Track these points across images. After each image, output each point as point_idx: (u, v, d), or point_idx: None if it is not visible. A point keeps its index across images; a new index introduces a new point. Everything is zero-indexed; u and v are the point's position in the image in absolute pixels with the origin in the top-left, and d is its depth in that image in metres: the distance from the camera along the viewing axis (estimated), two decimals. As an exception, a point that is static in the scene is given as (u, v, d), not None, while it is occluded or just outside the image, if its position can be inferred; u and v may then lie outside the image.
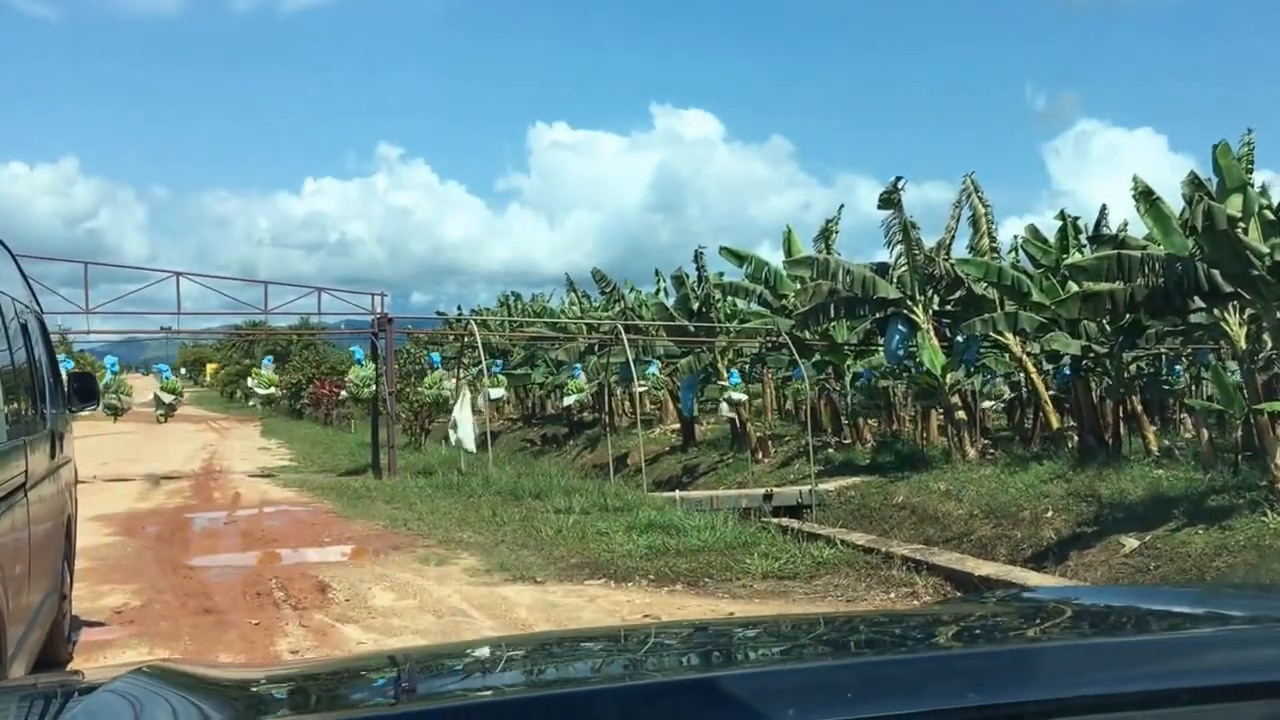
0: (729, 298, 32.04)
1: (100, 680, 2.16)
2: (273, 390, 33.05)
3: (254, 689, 2.22)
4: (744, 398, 28.95)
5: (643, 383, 31.86)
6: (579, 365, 32.39)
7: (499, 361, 34.41)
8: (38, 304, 9.93)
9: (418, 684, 2.34)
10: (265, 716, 2.03)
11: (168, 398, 31.24)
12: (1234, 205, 16.34)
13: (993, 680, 1.81)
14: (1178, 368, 25.52)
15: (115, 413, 29.62)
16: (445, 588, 13.18)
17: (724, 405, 29.99)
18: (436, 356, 32.83)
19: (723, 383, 29.55)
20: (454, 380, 30.56)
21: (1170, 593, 4.06)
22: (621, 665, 2.50)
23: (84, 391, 10.27)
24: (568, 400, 32.62)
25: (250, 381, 33.66)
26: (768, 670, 2.16)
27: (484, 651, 2.95)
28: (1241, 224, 16.17)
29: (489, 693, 2.19)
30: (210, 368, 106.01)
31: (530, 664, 2.53)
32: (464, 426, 26.31)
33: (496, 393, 31.42)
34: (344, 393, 30.59)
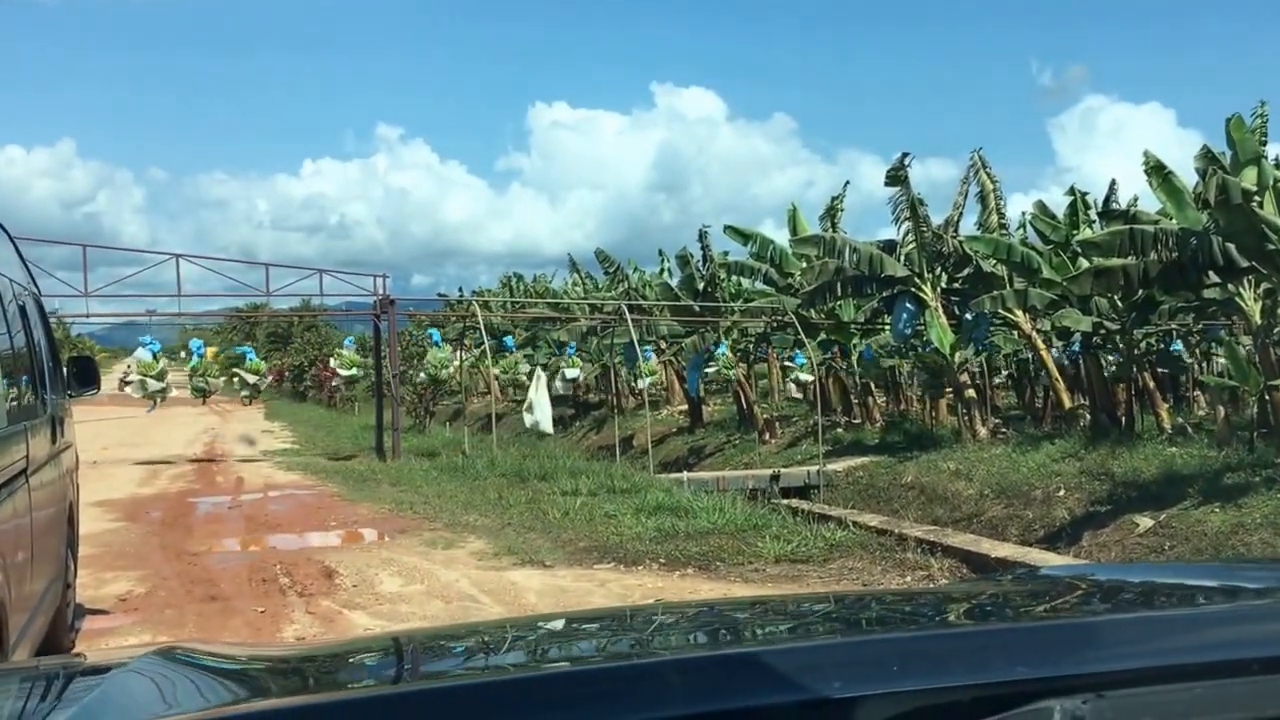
0: (734, 277, 31.85)
1: (106, 661, 2.15)
2: (354, 371, 32.62)
3: (272, 668, 2.20)
4: (811, 378, 28.81)
5: (712, 365, 31.46)
6: (649, 347, 31.92)
7: (571, 345, 33.81)
8: (36, 287, 9.76)
9: (435, 662, 2.31)
10: (285, 695, 1.98)
11: (252, 378, 30.55)
12: (1249, 178, 16.18)
13: (1040, 653, 1.79)
14: (1219, 346, 25.30)
15: (204, 395, 29.63)
16: (453, 572, 12.99)
17: (791, 385, 29.90)
18: (510, 340, 32.32)
19: (787, 364, 29.56)
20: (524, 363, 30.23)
21: (1192, 569, 4.01)
22: (662, 641, 2.46)
23: (83, 376, 10.14)
24: (642, 384, 32.23)
25: (333, 362, 33.40)
26: (810, 645, 2.14)
27: (502, 630, 2.90)
28: (1257, 197, 16.01)
29: (513, 670, 2.17)
30: (210, 351, 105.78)
31: (574, 640, 2.52)
32: (540, 409, 26.21)
33: (573, 373, 31.16)
34: (422, 375, 30.29)
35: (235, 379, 30.51)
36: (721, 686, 1.64)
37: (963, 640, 2.02)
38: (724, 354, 29.87)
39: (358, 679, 2.22)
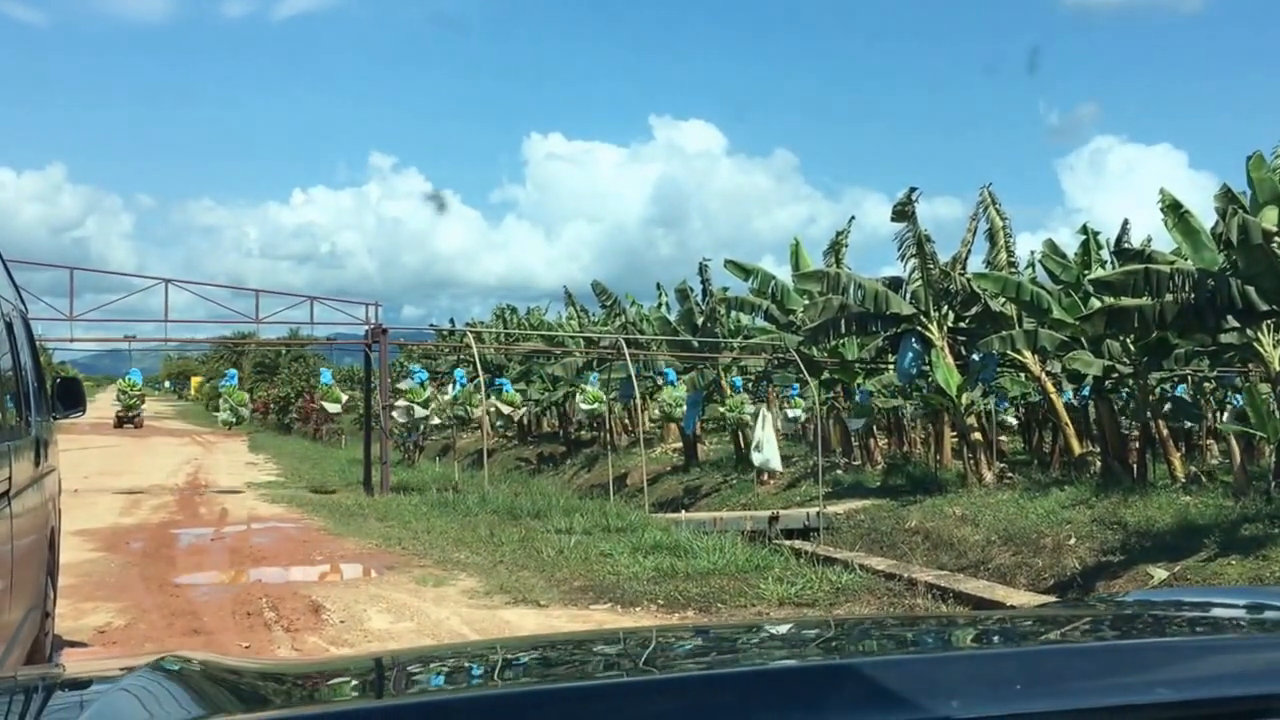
0: (734, 312, 31.45)
1: (85, 675, 2.22)
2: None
3: (279, 681, 2.19)
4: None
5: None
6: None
7: (795, 385, 32.78)
8: (24, 305, 9.33)
9: (431, 678, 2.28)
10: (292, 706, 1.99)
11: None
12: (1269, 219, 15.84)
13: (1182, 675, 1.71)
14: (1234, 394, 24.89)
15: (464, 423, 29.60)
16: (443, 610, 12.68)
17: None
18: (739, 380, 31.77)
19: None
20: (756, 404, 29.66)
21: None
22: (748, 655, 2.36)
23: (69, 397, 9.86)
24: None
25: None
26: (923, 658, 2.07)
27: (509, 647, 2.94)
28: (1278, 238, 15.61)
29: (518, 684, 2.14)
30: (195, 381, 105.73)
31: (591, 659, 2.44)
32: (769, 447, 25.85)
33: (794, 413, 30.79)
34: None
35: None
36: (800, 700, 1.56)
37: (1088, 658, 1.87)
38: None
39: (369, 690, 2.21)
